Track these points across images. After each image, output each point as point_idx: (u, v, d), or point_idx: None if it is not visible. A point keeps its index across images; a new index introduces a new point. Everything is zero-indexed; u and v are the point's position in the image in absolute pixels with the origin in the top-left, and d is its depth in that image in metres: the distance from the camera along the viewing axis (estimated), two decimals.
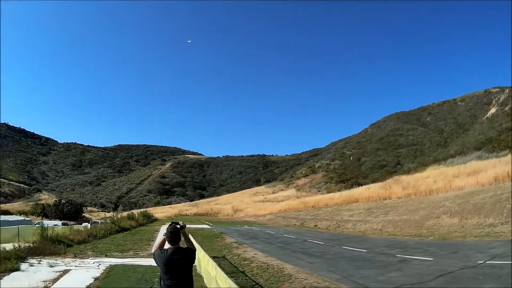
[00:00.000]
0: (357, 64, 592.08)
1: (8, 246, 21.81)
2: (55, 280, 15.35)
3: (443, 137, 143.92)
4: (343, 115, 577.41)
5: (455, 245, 22.09)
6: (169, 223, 7.19)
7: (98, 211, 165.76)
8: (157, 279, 13.01)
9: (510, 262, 14.87)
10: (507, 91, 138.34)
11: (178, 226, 7.12)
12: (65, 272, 17.08)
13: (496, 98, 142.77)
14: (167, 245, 7.14)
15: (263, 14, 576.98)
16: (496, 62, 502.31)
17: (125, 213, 69.23)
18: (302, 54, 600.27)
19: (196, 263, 17.55)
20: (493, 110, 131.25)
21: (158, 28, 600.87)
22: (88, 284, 14.69)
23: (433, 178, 60.23)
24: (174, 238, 6.99)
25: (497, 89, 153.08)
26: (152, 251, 7.23)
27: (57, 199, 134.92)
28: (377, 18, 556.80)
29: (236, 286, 8.57)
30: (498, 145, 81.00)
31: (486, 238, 22.99)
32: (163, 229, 7.07)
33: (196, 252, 17.54)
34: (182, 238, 7.27)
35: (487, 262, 15.71)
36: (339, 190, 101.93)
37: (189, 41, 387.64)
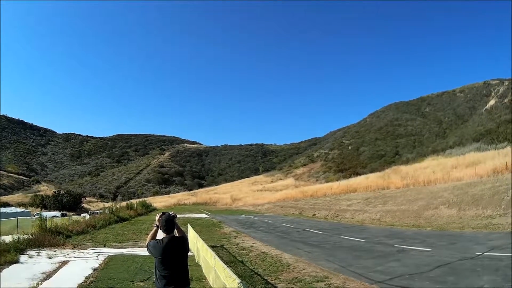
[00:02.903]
0: (357, 55, 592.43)
1: (8, 238, 21.89)
2: (54, 271, 15.31)
3: (442, 128, 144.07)
4: (342, 104, 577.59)
5: (453, 236, 22.14)
6: (160, 214, 7.16)
7: (97, 201, 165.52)
8: None
9: (510, 254, 14.90)
10: (507, 83, 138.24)
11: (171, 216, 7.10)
12: (64, 263, 17.03)
13: (495, 90, 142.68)
14: (160, 236, 7.16)
15: (260, 7, 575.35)
16: (496, 55, 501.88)
17: (123, 203, 69.02)
18: (301, 45, 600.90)
19: (194, 252, 17.82)
20: (492, 102, 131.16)
21: (152, 18, 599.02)
22: (87, 275, 14.65)
23: (431, 168, 60.26)
24: (169, 226, 6.97)
25: (497, 81, 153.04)
26: (146, 243, 7.23)
27: (56, 190, 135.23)
28: (377, 10, 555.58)
29: (235, 275, 8.54)
30: (497, 137, 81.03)
31: (484, 229, 23.08)
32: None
33: (195, 242, 17.81)
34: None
35: (485, 253, 15.71)
36: (337, 180, 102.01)
37: None
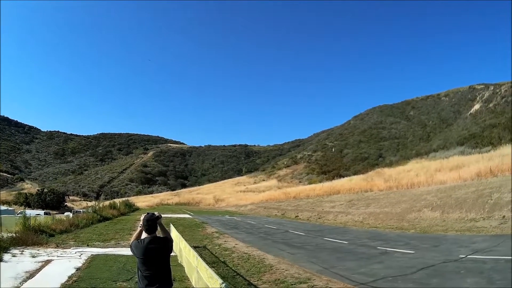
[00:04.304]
0: (341, 57, 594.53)
1: None
2: (37, 270, 15.14)
3: (426, 131, 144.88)
4: (326, 106, 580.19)
5: (436, 239, 22.15)
6: (145, 214, 7.04)
7: (80, 200, 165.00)
8: None
9: (494, 257, 14.92)
10: (492, 88, 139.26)
11: (155, 216, 6.96)
12: (47, 262, 16.85)
13: (480, 95, 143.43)
14: (144, 236, 6.97)
15: (247, 6, 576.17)
16: (482, 59, 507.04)
17: (107, 202, 68.57)
18: (286, 46, 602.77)
19: (177, 253, 17.74)
20: (477, 107, 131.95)
21: (135, 16, 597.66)
22: (70, 274, 14.49)
23: (415, 171, 60.37)
24: (150, 226, 6.82)
25: (482, 86, 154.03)
26: (130, 243, 7.05)
27: (39, 188, 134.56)
28: (362, 12, 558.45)
29: (217, 276, 8.42)
30: (481, 141, 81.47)
31: (468, 232, 23.14)
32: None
33: (178, 242, 17.65)
34: (159, 229, 7.11)
35: (469, 256, 15.74)
36: (320, 181, 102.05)
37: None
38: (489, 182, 35.07)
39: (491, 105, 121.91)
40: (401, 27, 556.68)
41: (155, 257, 6.73)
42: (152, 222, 6.85)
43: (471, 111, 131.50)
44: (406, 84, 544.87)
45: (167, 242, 7.06)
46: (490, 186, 32.62)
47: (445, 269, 13.94)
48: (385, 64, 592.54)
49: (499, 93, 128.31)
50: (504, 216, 24.60)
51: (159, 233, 7.08)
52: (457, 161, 56.14)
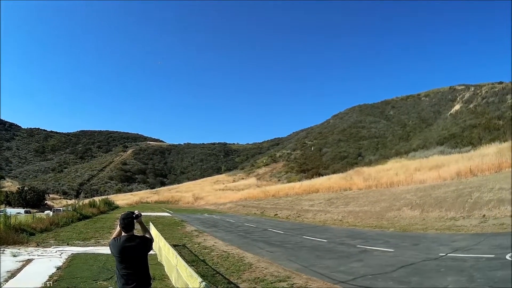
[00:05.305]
0: (321, 56, 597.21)
1: None
2: (18, 270, 15.05)
3: (406, 131, 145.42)
4: (306, 105, 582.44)
5: (416, 237, 22.18)
6: (124, 212, 6.88)
7: (60, 198, 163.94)
8: None
9: (474, 255, 14.92)
10: (472, 89, 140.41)
11: (134, 215, 6.85)
12: (28, 261, 16.74)
13: (460, 95, 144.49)
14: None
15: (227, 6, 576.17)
16: (463, 60, 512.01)
17: (86, 201, 68.34)
18: (265, 44, 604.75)
19: (157, 251, 17.72)
20: (457, 107, 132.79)
21: (113, 13, 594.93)
22: (50, 273, 14.39)
23: (394, 170, 60.52)
24: (127, 225, 6.71)
25: (462, 87, 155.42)
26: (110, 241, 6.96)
27: (20, 186, 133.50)
28: (341, 10, 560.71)
29: (197, 275, 8.31)
30: (461, 140, 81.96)
31: (448, 231, 23.20)
32: None
33: (157, 241, 17.53)
34: (139, 228, 7.06)
35: (449, 254, 15.76)
36: (299, 180, 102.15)
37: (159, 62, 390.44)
38: (469, 182, 35.33)
39: (471, 105, 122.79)
40: (381, 26, 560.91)
41: (132, 256, 6.65)
42: (128, 221, 6.73)
43: (451, 111, 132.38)
44: (386, 84, 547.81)
45: (145, 241, 6.93)
46: (470, 186, 32.87)
47: (425, 267, 13.94)
48: (365, 63, 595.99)
49: (480, 94, 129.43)
50: (484, 215, 24.72)
51: (139, 231, 6.99)
52: (436, 161, 56.37)
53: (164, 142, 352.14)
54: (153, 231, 20.44)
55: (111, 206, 68.82)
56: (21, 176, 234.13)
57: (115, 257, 6.71)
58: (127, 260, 6.60)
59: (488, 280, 11.35)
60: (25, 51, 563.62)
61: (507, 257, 13.79)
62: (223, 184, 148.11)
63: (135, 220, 6.84)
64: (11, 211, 47.93)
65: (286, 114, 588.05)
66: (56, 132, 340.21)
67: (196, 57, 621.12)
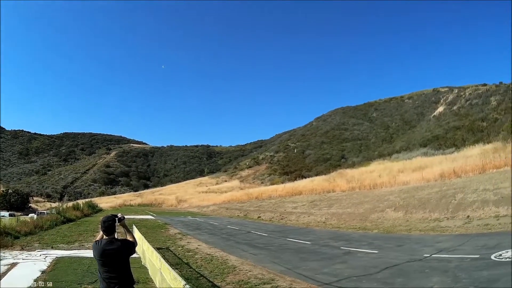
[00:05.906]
0: (304, 57, 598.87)
1: None
2: (3, 274, 14.95)
3: (389, 133, 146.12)
4: (289, 107, 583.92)
5: (400, 239, 22.23)
6: (105, 216, 6.85)
7: (44, 201, 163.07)
8: None
9: (458, 256, 14.92)
10: (456, 91, 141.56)
11: (117, 218, 6.85)
12: (13, 265, 16.69)
13: (444, 97, 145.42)
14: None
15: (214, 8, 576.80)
16: (447, 62, 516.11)
17: (70, 203, 67.94)
18: (248, 44, 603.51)
19: (141, 254, 17.82)
20: (441, 109, 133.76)
21: (95, 15, 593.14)
22: (35, 277, 14.36)
23: (377, 172, 60.82)
24: (107, 228, 6.72)
25: (446, 89, 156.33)
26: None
27: (4, 189, 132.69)
28: (326, 10, 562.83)
29: (181, 278, 8.31)
30: (444, 142, 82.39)
31: (432, 232, 23.28)
32: None
33: (141, 244, 17.39)
34: (123, 231, 7.10)
35: (433, 255, 15.77)
36: (282, 182, 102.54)
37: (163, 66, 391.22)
38: (452, 183, 35.62)
39: (455, 107, 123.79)
40: (364, 28, 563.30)
41: (113, 259, 6.60)
42: (108, 224, 6.73)
43: (435, 113, 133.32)
44: (369, 86, 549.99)
45: (126, 244, 6.90)
46: (454, 187, 33.15)
47: (410, 268, 13.96)
48: (348, 65, 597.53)
49: (463, 96, 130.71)
50: (468, 216, 24.83)
51: (123, 234, 7.07)
52: (420, 162, 56.76)
53: (147, 144, 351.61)
54: (137, 234, 20.36)
55: (94, 209, 68.65)
56: (5, 178, 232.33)
57: (97, 260, 6.66)
58: (108, 263, 6.53)
59: (473, 280, 11.33)
60: (4, 52, 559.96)
61: (492, 257, 13.78)
62: (206, 186, 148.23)
63: (118, 223, 6.83)
64: None
65: (269, 116, 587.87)
66: (40, 134, 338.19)
67: (177, 58, 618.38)
